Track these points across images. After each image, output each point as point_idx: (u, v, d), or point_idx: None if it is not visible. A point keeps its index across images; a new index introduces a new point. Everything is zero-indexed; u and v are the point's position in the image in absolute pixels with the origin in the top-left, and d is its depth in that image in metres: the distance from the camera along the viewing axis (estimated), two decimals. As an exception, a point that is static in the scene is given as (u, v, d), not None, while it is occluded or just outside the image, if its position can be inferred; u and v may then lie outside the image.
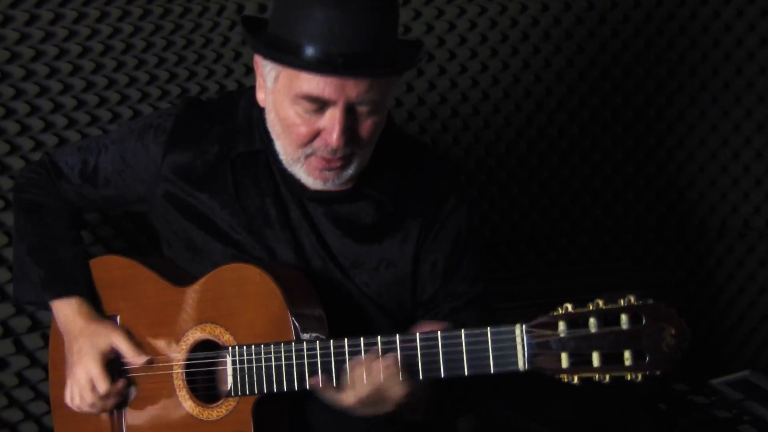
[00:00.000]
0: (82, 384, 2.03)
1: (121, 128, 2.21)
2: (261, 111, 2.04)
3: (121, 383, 2.04)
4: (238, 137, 2.06)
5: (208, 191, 2.07)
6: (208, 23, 2.80)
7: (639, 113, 3.32)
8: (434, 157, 2.20)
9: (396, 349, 1.76)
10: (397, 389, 1.78)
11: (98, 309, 2.13)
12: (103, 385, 2.02)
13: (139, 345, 2.06)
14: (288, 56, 1.82)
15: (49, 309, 2.15)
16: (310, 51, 1.80)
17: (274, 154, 2.03)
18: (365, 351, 1.78)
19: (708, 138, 3.34)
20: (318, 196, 2.03)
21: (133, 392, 2.08)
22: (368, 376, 1.78)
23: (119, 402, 2.07)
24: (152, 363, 2.05)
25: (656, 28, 3.25)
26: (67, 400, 2.07)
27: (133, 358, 2.03)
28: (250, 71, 2.86)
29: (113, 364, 2.06)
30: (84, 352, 2.04)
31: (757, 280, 3.40)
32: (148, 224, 2.23)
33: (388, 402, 1.81)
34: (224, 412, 1.95)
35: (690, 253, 3.41)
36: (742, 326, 3.44)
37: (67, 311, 2.10)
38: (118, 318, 2.12)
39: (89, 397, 2.03)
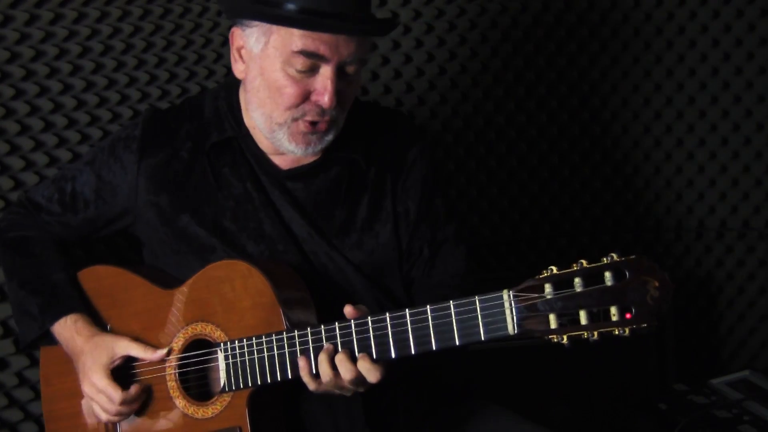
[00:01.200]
0: (99, 398, 2.04)
1: (90, 150, 2.26)
2: (227, 102, 2.10)
3: (134, 389, 2.03)
4: (209, 129, 2.11)
5: (190, 187, 2.10)
6: (208, 23, 2.80)
7: (638, 113, 3.32)
8: (393, 113, 2.27)
9: (387, 327, 1.79)
10: (372, 375, 1.81)
11: (94, 320, 2.12)
12: (116, 395, 2.02)
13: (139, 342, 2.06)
14: (287, 14, 1.89)
15: (52, 343, 2.14)
16: (303, 9, 1.88)
17: (246, 140, 2.08)
18: (356, 333, 1.81)
19: (707, 138, 3.34)
20: (293, 173, 2.08)
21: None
22: (334, 372, 1.82)
23: (138, 406, 2.06)
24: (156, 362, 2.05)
25: (655, 28, 3.26)
26: (100, 417, 2.07)
27: (151, 355, 2.02)
28: (249, 71, 2.86)
29: (118, 372, 2.06)
30: (87, 368, 2.04)
31: (757, 280, 3.40)
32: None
33: (366, 385, 1.84)
34: (219, 408, 1.96)
35: (690, 253, 3.41)
36: (742, 326, 3.43)
37: (66, 334, 2.09)
38: (109, 327, 2.13)
39: (112, 408, 2.03)
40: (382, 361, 1.81)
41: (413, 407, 2.12)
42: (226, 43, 2.84)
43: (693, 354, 3.37)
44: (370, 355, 1.80)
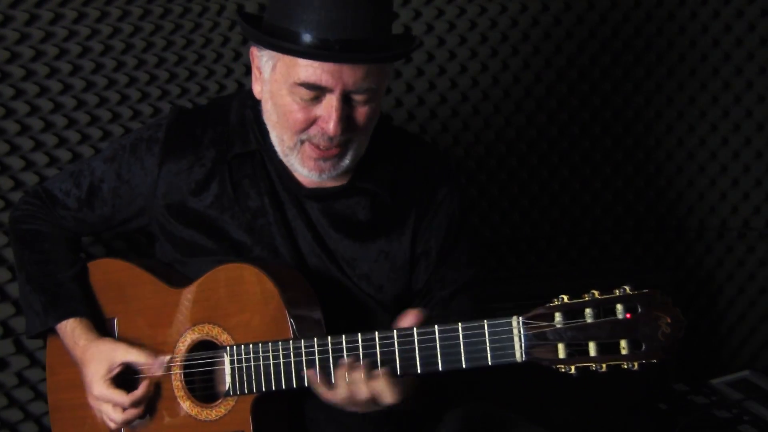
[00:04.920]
0: (104, 408, 2.03)
1: (112, 146, 2.22)
2: (254, 111, 2.07)
3: (142, 387, 2.02)
4: (233, 139, 2.08)
5: (208, 196, 2.08)
6: (208, 23, 2.80)
7: (638, 113, 3.32)
8: (426, 146, 2.22)
9: (394, 344, 1.77)
10: (388, 395, 1.78)
11: (97, 314, 2.12)
12: (122, 399, 2.01)
13: (139, 347, 2.05)
14: (285, 43, 1.85)
15: (57, 334, 2.14)
16: (307, 38, 1.84)
17: (269, 153, 2.05)
18: (363, 347, 1.80)
19: (708, 138, 3.34)
20: (314, 193, 2.05)
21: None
22: (351, 380, 1.79)
23: (148, 404, 2.05)
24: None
25: (656, 28, 3.26)
26: (109, 426, 2.06)
27: (150, 362, 2.01)
28: (249, 71, 2.85)
29: (123, 375, 2.05)
30: (88, 380, 2.04)
31: (757, 280, 3.40)
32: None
33: (382, 404, 1.81)
34: (223, 411, 1.96)
35: (690, 253, 3.41)
36: (742, 326, 3.43)
37: (66, 341, 2.09)
38: (116, 321, 2.12)
39: (118, 416, 2.02)
40: (400, 380, 1.78)
41: (417, 414, 2.11)
42: (226, 43, 2.84)
43: (693, 354, 3.37)
44: (391, 369, 1.77)
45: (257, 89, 2.01)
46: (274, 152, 2.04)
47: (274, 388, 1.88)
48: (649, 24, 3.25)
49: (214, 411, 1.97)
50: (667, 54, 3.28)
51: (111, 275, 2.16)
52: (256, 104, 2.08)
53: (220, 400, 1.97)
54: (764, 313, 3.41)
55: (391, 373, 1.77)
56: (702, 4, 3.24)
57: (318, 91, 1.87)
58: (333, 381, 1.82)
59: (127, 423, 2.05)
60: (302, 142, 1.94)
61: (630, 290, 1.59)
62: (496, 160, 3.23)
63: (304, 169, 1.97)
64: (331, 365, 1.82)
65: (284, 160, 2.00)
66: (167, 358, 2.01)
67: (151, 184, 2.11)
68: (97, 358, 2.03)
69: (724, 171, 3.35)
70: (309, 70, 1.85)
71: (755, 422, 2.75)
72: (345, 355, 1.80)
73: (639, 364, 1.58)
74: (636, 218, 3.39)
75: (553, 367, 1.63)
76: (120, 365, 2.03)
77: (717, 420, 2.78)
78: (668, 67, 3.28)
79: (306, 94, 1.87)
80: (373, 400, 1.80)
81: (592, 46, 3.24)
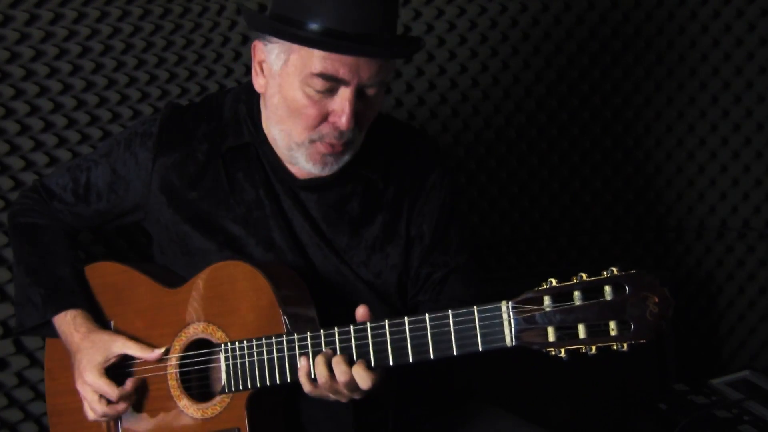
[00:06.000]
0: (91, 397, 2.04)
1: (108, 141, 2.24)
2: (248, 105, 2.08)
3: (130, 383, 2.03)
4: (226, 132, 2.09)
5: (202, 189, 2.09)
6: (208, 23, 2.80)
7: (638, 113, 3.33)
8: (415, 132, 2.24)
9: (385, 334, 1.78)
10: (367, 382, 1.80)
11: (96, 317, 2.13)
12: (111, 391, 2.01)
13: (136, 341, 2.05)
14: (307, 35, 1.86)
15: (51, 334, 2.15)
16: (325, 30, 1.85)
17: (262, 146, 2.06)
18: (355, 339, 1.81)
19: (708, 138, 3.34)
20: (308, 183, 2.06)
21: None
22: (330, 374, 1.81)
23: (132, 403, 2.06)
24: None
25: (656, 28, 3.26)
26: (87, 415, 2.07)
27: (148, 355, 2.02)
28: (250, 71, 2.85)
29: (116, 370, 2.06)
30: (82, 366, 2.04)
31: (757, 280, 3.40)
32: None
33: (359, 392, 1.84)
34: (219, 409, 1.96)
35: (690, 253, 3.41)
36: (742, 326, 3.43)
37: (64, 328, 2.10)
38: (112, 323, 2.13)
39: (100, 408, 2.03)
40: (378, 368, 1.80)
41: (413, 412, 2.11)
42: (226, 43, 2.84)
43: (693, 354, 3.37)
44: (368, 362, 1.80)
45: (259, 83, 2.01)
46: (268, 145, 2.06)
47: (268, 383, 1.89)
48: (649, 24, 3.25)
49: (210, 409, 1.97)
50: (667, 54, 3.28)
51: (107, 278, 2.16)
52: (249, 99, 2.09)
53: (216, 398, 1.97)
54: (764, 313, 3.41)
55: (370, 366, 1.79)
56: (702, 4, 3.24)
57: (333, 83, 1.88)
58: (312, 373, 1.83)
59: (106, 417, 2.04)
60: (312, 141, 1.95)
61: (617, 271, 1.60)
62: (496, 160, 3.23)
63: (308, 164, 1.98)
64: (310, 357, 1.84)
65: (287, 153, 2.01)
66: (162, 350, 2.01)
67: (145, 178, 2.12)
68: (96, 346, 2.04)
69: (724, 171, 3.35)
70: (327, 61, 1.86)
71: (755, 422, 2.75)
72: (337, 348, 1.82)
73: (628, 345, 1.59)
74: (636, 218, 3.39)
75: (544, 350, 1.64)
76: (116, 356, 2.04)
77: (717, 420, 2.77)
78: (668, 67, 3.28)
79: (321, 85, 1.88)
80: (353, 387, 1.81)
81: (592, 46, 3.24)
